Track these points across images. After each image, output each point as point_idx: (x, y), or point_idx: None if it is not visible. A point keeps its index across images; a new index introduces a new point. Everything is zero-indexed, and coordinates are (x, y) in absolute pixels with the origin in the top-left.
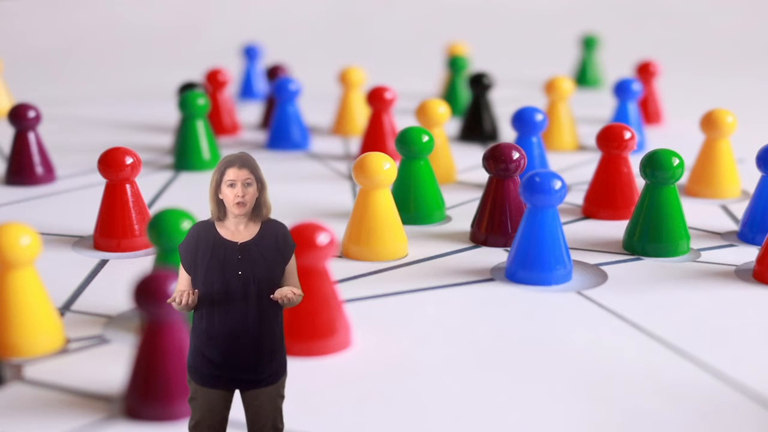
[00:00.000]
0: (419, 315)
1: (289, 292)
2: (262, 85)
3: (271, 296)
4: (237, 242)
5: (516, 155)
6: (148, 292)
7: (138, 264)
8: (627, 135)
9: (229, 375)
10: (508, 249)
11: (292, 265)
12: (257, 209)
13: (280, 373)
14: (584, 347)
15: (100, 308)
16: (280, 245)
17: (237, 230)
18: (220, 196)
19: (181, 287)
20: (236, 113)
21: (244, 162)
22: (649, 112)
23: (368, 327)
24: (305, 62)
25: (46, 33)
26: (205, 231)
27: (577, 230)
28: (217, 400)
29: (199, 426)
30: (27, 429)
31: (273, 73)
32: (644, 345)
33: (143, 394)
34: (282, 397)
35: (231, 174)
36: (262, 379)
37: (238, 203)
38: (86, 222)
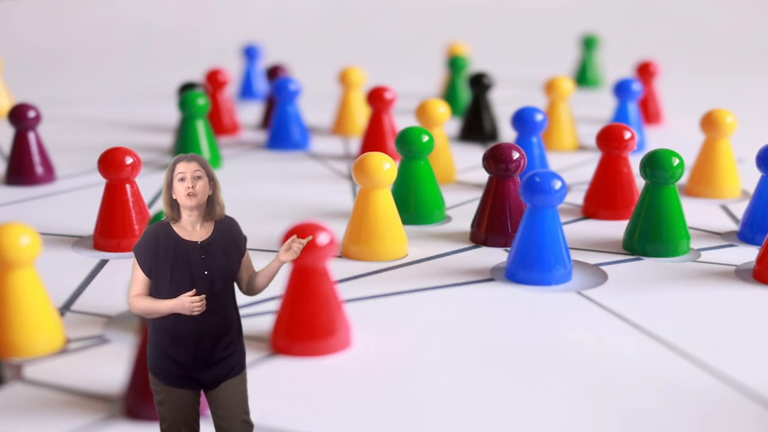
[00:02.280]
0: (419, 315)
1: (294, 244)
2: (262, 85)
3: (282, 258)
4: (197, 242)
5: (516, 155)
6: None
7: None
8: (627, 135)
9: (196, 373)
10: (508, 249)
11: (248, 256)
12: (210, 207)
13: (241, 365)
14: (584, 347)
15: (100, 308)
16: (237, 239)
17: (194, 230)
18: (174, 196)
19: (136, 291)
20: (236, 113)
21: (193, 157)
22: (649, 112)
23: (368, 327)
24: (305, 62)
25: (46, 33)
26: (164, 232)
27: (577, 230)
28: (188, 398)
29: (174, 425)
30: (27, 429)
31: (273, 73)
32: (644, 345)
33: (143, 394)
34: (246, 387)
35: (180, 167)
36: (226, 374)
37: (188, 194)
38: (86, 222)
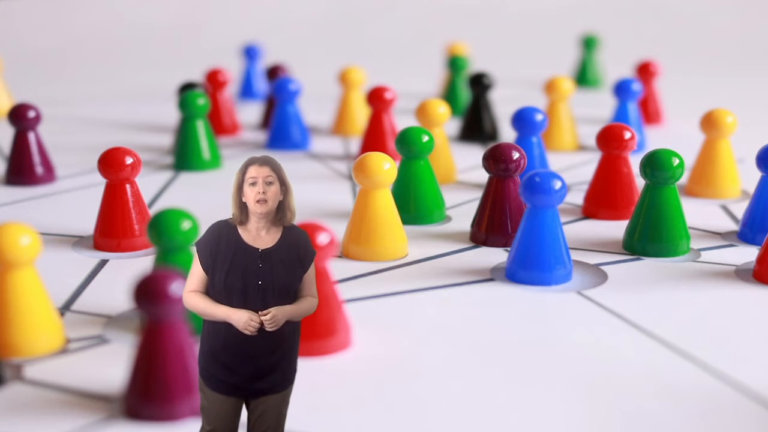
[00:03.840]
0: (419, 315)
1: (272, 317)
2: (262, 85)
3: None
4: (258, 248)
5: (516, 155)
6: (148, 292)
7: (138, 264)
8: (627, 135)
9: (242, 383)
10: (508, 249)
11: (311, 272)
12: (280, 213)
13: (290, 380)
14: (584, 347)
15: (100, 308)
16: (301, 253)
17: (258, 235)
18: (243, 199)
19: (192, 287)
20: (236, 113)
21: (266, 161)
22: (649, 112)
23: (368, 327)
24: (305, 62)
25: (46, 33)
26: (227, 232)
27: (577, 230)
28: (231, 408)
29: None
30: (27, 429)
31: (273, 73)
32: (644, 345)
33: (143, 394)
34: (287, 403)
35: (252, 171)
36: (272, 387)
37: (258, 201)
38: (86, 222)
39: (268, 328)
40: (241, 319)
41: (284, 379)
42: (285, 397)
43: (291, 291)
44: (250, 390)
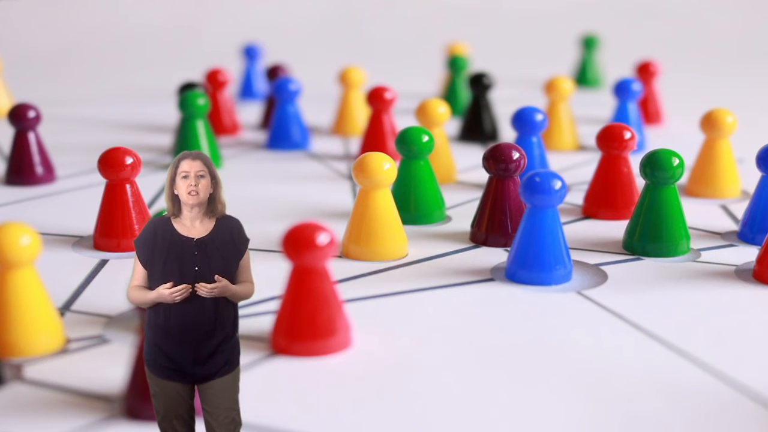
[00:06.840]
0: (419, 315)
1: (215, 285)
2: (262, 85)
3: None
4: (193, 238)
5: (516, 155)
6: None
7: None
8: (627, 135)
9: (185, 369)
10: (508, 249)
11: (247, 259)
12: (211, 205)
13: (233, 363)
14: (584, 347)
15: (100, 308)
16: (236, 240)
17: (192, 226)
18: (175, 192)
19: (134, 282)
20: (236, 113)
21: (197, 155)
22: (649, 112)
23: (368, 327)
24: (305, 62)
25: (46, 33)
26: (162, 227)
27: (577, 230)
28: (180, 390)
29: (167, 418)
30: (27, 429)
31: (273, 73)
32: (644, 345)
33: (143, 394)
34: (238, 388)
35: (185, 166)
36: (216, 371)
37: (190, 193)
38: (86, 222)
39: (201, 291)
40: (164, 296)
41: (228, 363)
42: (234, 381)
43: (228, 278)
44: (193, 375)
